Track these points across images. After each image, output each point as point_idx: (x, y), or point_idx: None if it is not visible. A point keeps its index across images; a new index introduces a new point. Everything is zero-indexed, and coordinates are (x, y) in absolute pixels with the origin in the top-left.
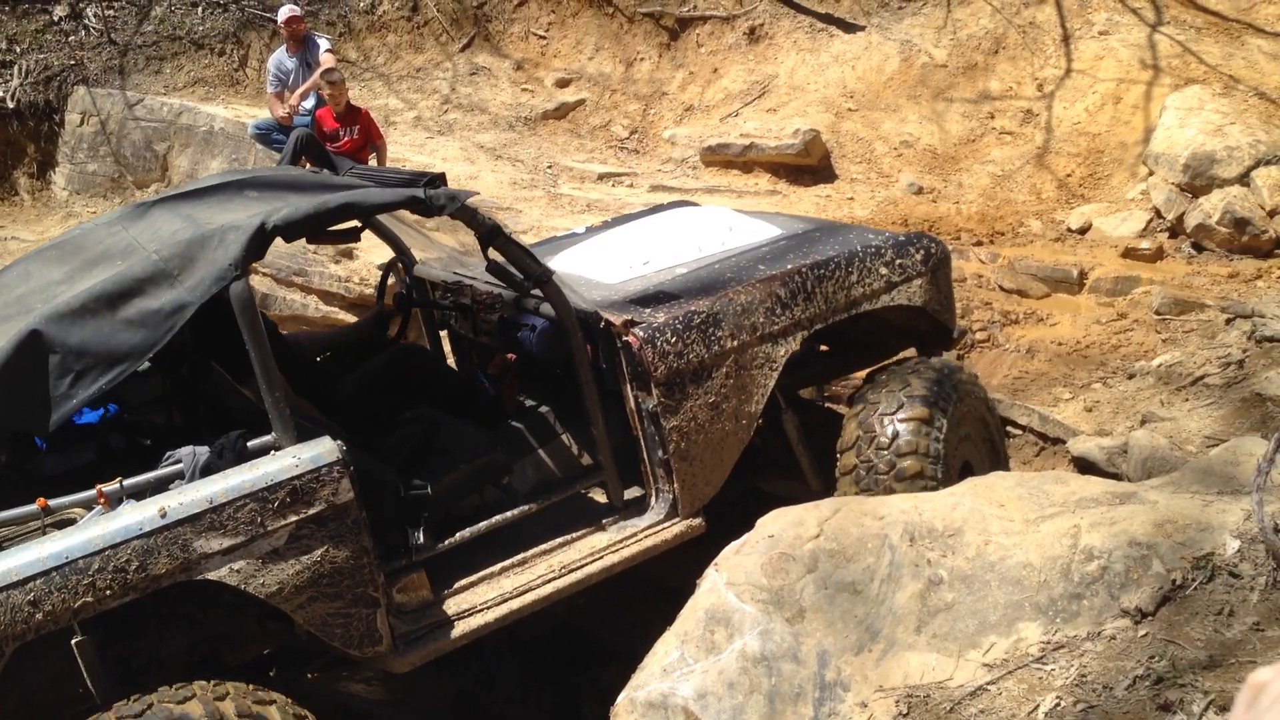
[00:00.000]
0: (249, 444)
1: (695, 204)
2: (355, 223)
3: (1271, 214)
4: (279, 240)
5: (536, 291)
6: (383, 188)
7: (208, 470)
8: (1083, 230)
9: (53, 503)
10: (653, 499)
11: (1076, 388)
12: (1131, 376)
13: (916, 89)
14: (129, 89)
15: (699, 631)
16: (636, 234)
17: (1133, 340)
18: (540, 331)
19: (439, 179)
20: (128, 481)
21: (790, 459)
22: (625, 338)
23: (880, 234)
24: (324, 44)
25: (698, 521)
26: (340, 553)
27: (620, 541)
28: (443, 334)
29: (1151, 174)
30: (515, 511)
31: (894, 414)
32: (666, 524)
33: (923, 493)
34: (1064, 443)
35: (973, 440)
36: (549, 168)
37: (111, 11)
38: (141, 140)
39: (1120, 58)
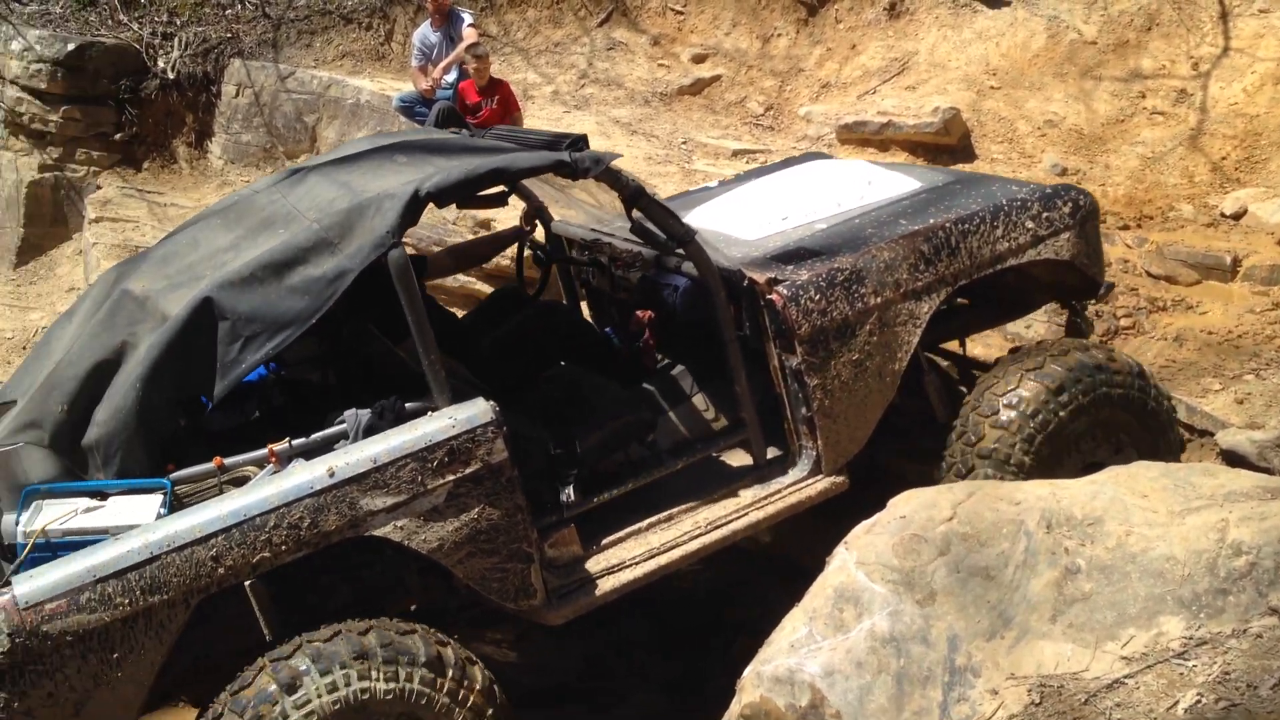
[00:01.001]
0: (407, 406)
1: (828, 155)
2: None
3: None
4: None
5: (679, 251)
6: (529, 151)
7: (370, 431)
8: (1237, 216)
9: (227, 461)
10: (796, 456)
11: (1227, 379)
12: None
13: (1063, 67)
14: (281, 62)
15: (828, 609)
16: (773, 189)
17: None
18: (682, 290)
19: (581, 140)
20: (296, 441)
21: (932, 419)
22: (769, 296)
23: (1025, 185)
24: (467, 18)
25: (841, 479)
26: (496, 510)
27: (765, 498)
28: (580, 291)
29: None
30: (662, 469)
31: (1005, 393)
32: (810, 481)
33: (1061, 479)
34: (1212, 435)
35: (1108, 443)
36: (684, 143)
37: None
38: (292, 112)
39: None
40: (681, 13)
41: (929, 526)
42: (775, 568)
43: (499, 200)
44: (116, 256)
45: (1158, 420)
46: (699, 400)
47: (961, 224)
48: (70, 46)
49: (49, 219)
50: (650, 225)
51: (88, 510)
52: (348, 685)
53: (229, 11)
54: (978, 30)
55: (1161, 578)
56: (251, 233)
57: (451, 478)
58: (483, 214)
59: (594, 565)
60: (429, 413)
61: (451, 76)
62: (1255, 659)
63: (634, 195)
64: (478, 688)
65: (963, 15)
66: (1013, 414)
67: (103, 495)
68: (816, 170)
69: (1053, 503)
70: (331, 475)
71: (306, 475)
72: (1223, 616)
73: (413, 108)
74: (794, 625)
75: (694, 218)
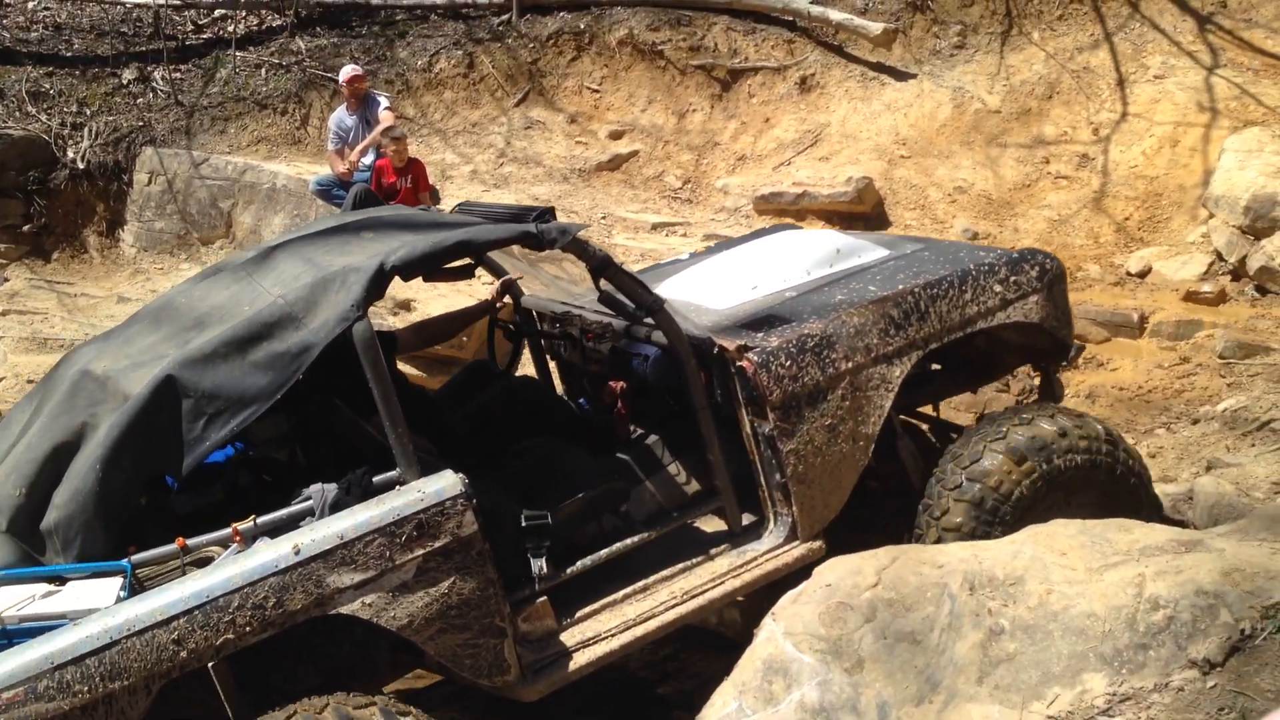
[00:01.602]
0: (374, 479)
1: (797, 225)
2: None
3: None
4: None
5: (648, 320)
6: (494, 224)
7: (336, 506)
8: (1142, 274)
9: (190, 542)
10: (771, 523)
11: (1139, 433)
12: (1196, 422)
13: (970, 135)
14: (195, 148)
15: (757, 682)
16: (742, 258)
17: (1196, 385)
18: (653, 359)
19: (549, 213)
20: (261, 519)
21: (906, 485)
22: (740, 363)
23: (992, 250)
24: (383, 101)
25: (818, 544)
26: (467, 584)
27: (741, 566)
28: (552, 363)
29: (1212, 216)
30: (636, 539)
31: (969, 465)
32: (786, 547)
33: (982, 540)
34: None
35: (1076, 505)
36: (603, 218)
37: (179, 74)
38: (207, 198)
39: (1177, 101)
40: (598, 91)
41: (854, 593)
42: (708, 640)
43: (466, 272)
44: (26, 350)
45: (1128, 482)
46: (673, 469)
47: (930, 289)
48: None
49: None
50: (618, 295)
51: (45, 595)
52: None
53: (140, 100)
54: (886, 102)
55: (1083, 635)
56: (216, 310)
57: (420, 552)
58: (403, 294)
59: (569, 638)
60: (397, 487)
61: (369, 159)
62: (1178, 713)
63: (601, 265)
64: None
65: (871, 88)
66: (976, 486)
67: (61, 580)
68: (786, 240)
69: (975, 564)
70: (297, 553)
71: (271, 554)
72: (1144, 671)
73: (330, 190)
74: (724, 700)
75: (665, 288)
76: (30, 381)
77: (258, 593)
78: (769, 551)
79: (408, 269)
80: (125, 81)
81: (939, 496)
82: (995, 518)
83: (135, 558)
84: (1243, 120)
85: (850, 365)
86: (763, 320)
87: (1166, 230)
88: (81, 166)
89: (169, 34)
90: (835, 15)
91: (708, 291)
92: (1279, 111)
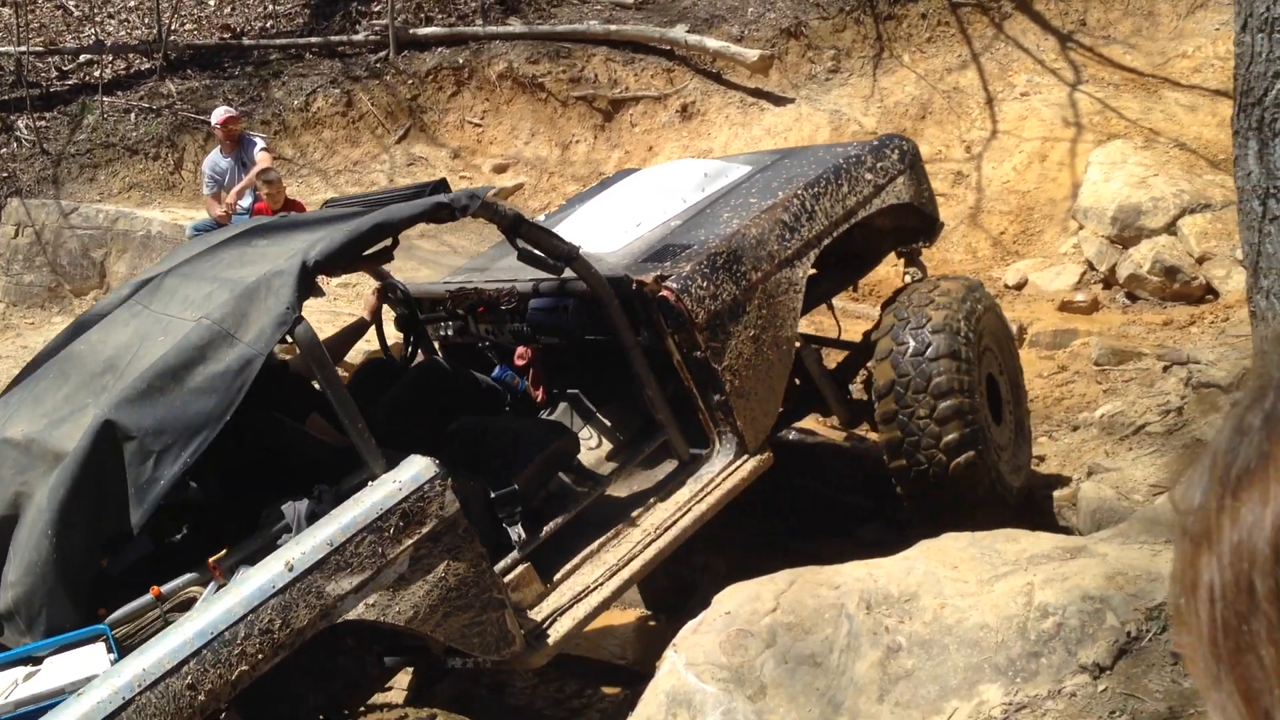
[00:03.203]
0: (341, 482)
1: (637, 169)
2: (387, 243)
3: (1200, 260)
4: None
5: (565, 270)
6: (393, 204)
7: (314, 517)
8: (1019, 286)
9: (165, 588)
10: (718, 443)
11: None
12: (1075, 428)
13: None
14: (63, 198)
15: (661, 715)
16: (613, 202)
17: (1075, 392)
18: (565, 311)
19: (443, 184)
20: (235, 548)
21: (814, 393)
22: (661, 293)
23: (849, 145)
24: (259, 143)
25: (767, 455)
26: (461, 563)
27: (701, 491)
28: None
29: (1082, 228)
30: (599, 488)
31: (924, 354)
32: (738, 463)
33: (876, 559)
34: None
35: (991, 351)
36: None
37: (43, 122)
38: (78, 248)
39: (1043, 117)
40: (479, 125)
41: (754, 619)
42: (613, 675)
43: (386, 255)
44: None
45: (1003, 320)
46: (601, 419)
47: (812, 188)
48: None
49: None
50: (535, 250)
51: (29, 678)
52: None
53: (4, 150)
54: (766, 126)
55: (977, 647)
56: (125, 349)
57: (411, 541)
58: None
59: (559, 598)
60: (368, 483)
61: (246, 201)
62: (1072, 718)
63: (514, 223)
64: None
65: (751, 113)
66: (946, 377)
67: (35, 660)
68: (648, 177)
69: (870, 583)
70: (291, 569)
71: (265, 575)
72: (1038, 679)
73: (209, 235)
74: None
75: None
76: None
77: (262, 617)
78: (723, 471)
79: (330, 262)
80: None
81: (916, 367)
82: (973, 392)
83: (110, 618)
84: (1106, 134)
85: (759, 275)
86: (663, 251)
87: (1040, 242)
88: None
89: (32, 81)
90: (712, 43)
91: (592, 238)
92: (1140, 124)
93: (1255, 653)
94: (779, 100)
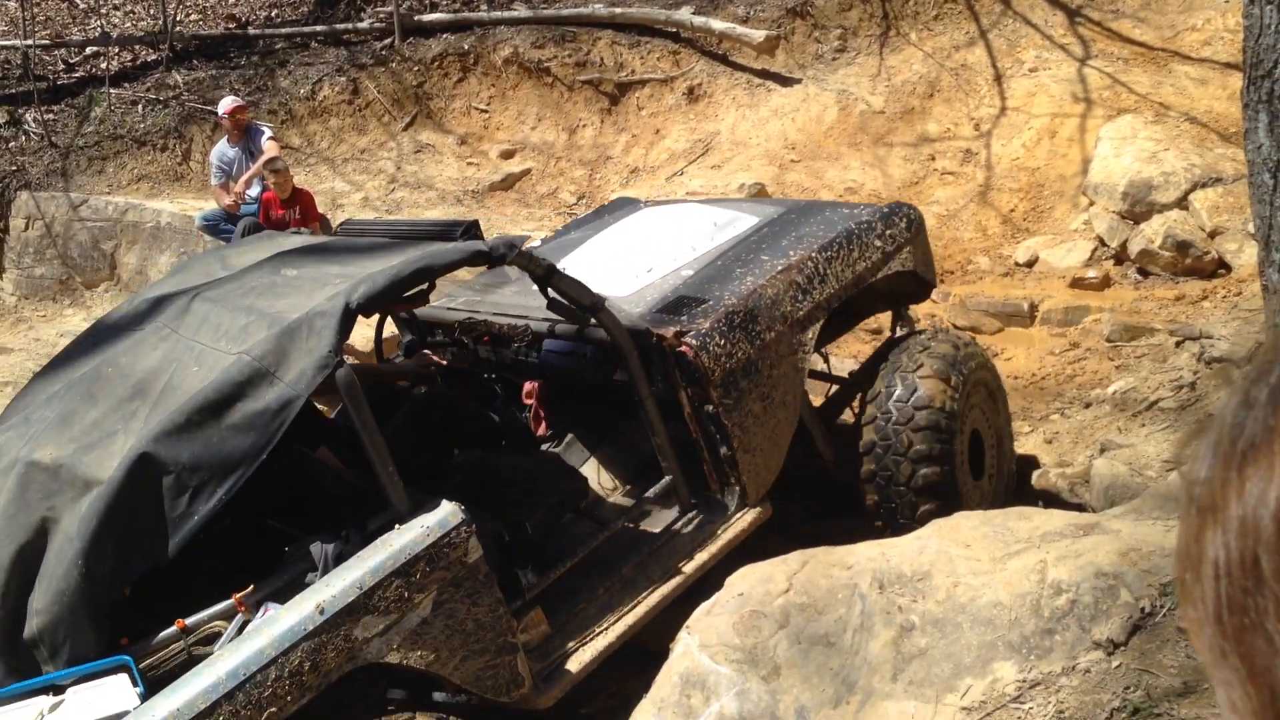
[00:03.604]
0: (368, 524)
1: (636, 200)
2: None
3: (1212, 235)
4: None
5: (593, 320)
6: (436, 244)
7: (340, 558)
8: (1030, 263)
9: (189, 621)
10: (721, 494)
11: (1035, 420)
12: (1088, 405)
13: (856, 136)
14: (73, 190)
15: (675, 697)
16: (621, 241)
17: (1087, 369)
18: (583, 357)
19: (474, 226)
20: (260, 584)
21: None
22: (680, 348)
23: (858, 208)
24: (267, 131)
25: (767, 507)
26: (479, 608)
27: (704, 539)
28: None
29: (1092, 204)
30: (606, 532)
31: (914, 372)
32: (739, 514)
33: (888, 538)
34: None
35: (979, 408)
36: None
37: (51, 115)
38: (88, 240)
39: (1052, 93)
40: (486, 111)
41: (767, 601)
42: (628, 656)
43: (421, 299)
44: None
45: (994, 373)
46: (599, 460)
47: (825, 252)
48: None
49: None
50: (563, 300)
51: (54, 709)
52: None
53: (12, 144)
54: (773, 108)
55: (991, 624)
56: (155, 375)
57: (435, 586)
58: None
59: (566, 641)
60: (396, 526)
61: (255, 190)
62: (1086, 694)
63: (547, 274)
64: None
65: (758, 95)
66: (924, 413)
67: (58, 689)
68: (655, 219)
69: (883, 562)
70: (322, 612)
71: (295, 617)
72: (1051, 656)
73: (218, 225)
74: (644, 717)
75: None
76: None
77: (292, 660)
78: (724, 520)
79: (371, 304)
80: None
81: (896, 435)
82: (948, 434)
83: (133, 648)
84: (1116, 109)
85: (773, 335)
86: (678, 303)
87: (1050, 219)
88: None
89: (39, 74)
90: (718, 25)
91: (600, 279)
92: (1150, 99)
93: (1261, 629)
94: (786, 81)
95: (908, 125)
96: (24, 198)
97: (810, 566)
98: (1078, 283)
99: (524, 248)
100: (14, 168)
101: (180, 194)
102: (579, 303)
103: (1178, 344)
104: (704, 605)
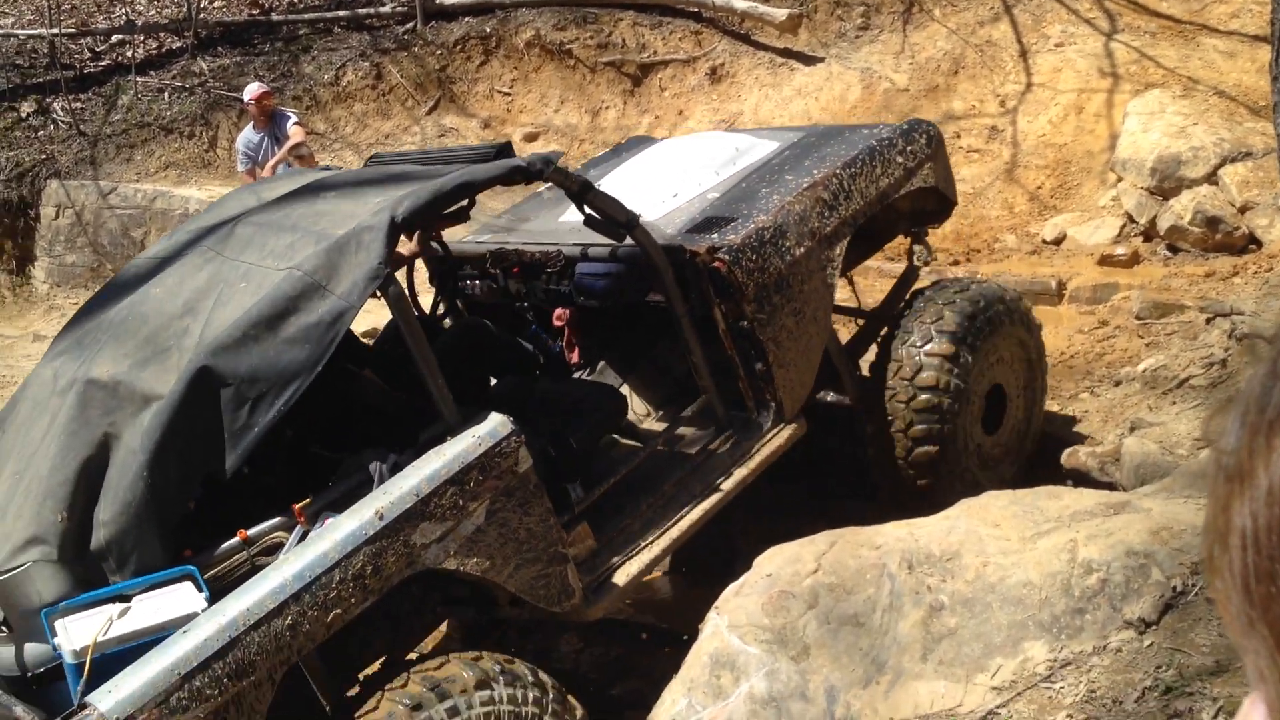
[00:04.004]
0: (420, 436)
1: (651, 137)
2: (464, 202)
3: (1242, 210)
4: None
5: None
6: (460, 165)
7: (396, 469)
8: (1058, 241)
9: (251, 532)
10: (756, 411)
11: (1064, 399)
12: (1118, 383)
13: (880, 114)
14: (102, 179)
15: (705, 677)
16: (643, 171)
17: (1116, 347)
18: (617, 277)
19: (507, 147)
20: (317, 496)
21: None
22: (713, 264)
23: (877, 127)
24: (292, 117)
25: (801, 424)
26: (531, 518)
27: (742, 455)
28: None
29: (1120, 180)
30: (646, 450)
31: (921, 347)
32: (775, 430)
33: (916, 519)
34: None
35: (1006, 362)
36: None
37: (79, 104)
38: (118, 228)
39: (1079, 68)
40: (509, 94)
41: (795, 581)
42: (658, 639)
43: (462, 216)
44: None
45: (1028, 323)
46: (636, 380)
47: (849, 168)
48: None
49: None
50: (600, 216)
51: (121, 615)
52: None
53: (41, 133)
54: (796, 87)
55: (1021, 604)
56: (204, 294)
57: (488, 495)
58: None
59: (612, 555)
60: (447, 438)
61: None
62: (1117, 674)
63: (583, 189)
64: (528, 681)
65: (781, 74)
66: (933, 371)
67: (125, 598)
68: (676, 148)
69: (911, 543)
70: (381, 518)
71: (356, 523)
72: (1082, 635)
73: None
74: (673, 698)
75: (572, 213)
76: None
77: (354, 563)
78: (761, 437)
79: (416, 218)
80: (24, 115)
81: (900, 380)
82: (958, 396)
83: (197, 558)
84: (1143, 83)
85: (802, 250)
86: (708, 222)
87: (1078, 196)
88: None
89: (66, 63)
90: (739, 4)
91: (629, 205)
92: (1178, 73)
93: None
94: (809, 60)
95: (932, 103)
96: (54, 186)
97: (838, 547)
98: (1106, 260)
99: (559, 164)
100: (43, 156)
101: (208, 180)
102: (615, 218)
103: (1208, 321)
104: (732, 586)
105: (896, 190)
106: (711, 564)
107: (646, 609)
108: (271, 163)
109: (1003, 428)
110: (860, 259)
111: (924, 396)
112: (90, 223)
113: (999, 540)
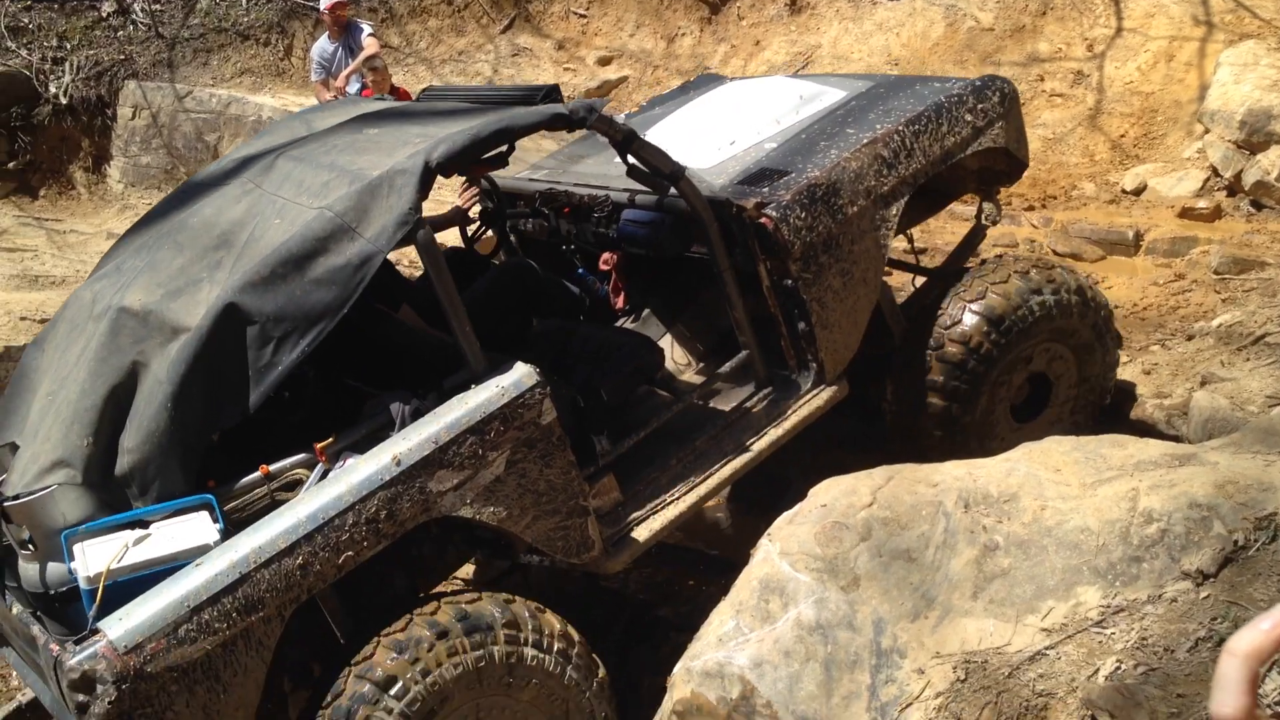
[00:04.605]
0: (444, 383)
1: (721, 75)
2: (503, 148)
3: None
4: None
5: (671, 189)
6: (508, 108)
7: (417, 414)
8: (1138, 191)
9: (273, 467)
10: (797, 371)
11: (1134, 350)
12: (1190, 338)
13: (963, 54)
14: (178, 81)
15: (754, 601)
16: (703, 114)
17: (1191, 301)
18: (661, 226)
19: (555, 91)
20: (340, 436)
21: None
22: (759, 220)
23: (949, 81)
24: (366, 29)
25: (843, 385)
26: (551, 470)
27: (778, 415)
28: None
29: (1207, 132)
30: (680, 404)
31: (970, 302)
32: (814, 392)
33: (977, 459)
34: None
35: (1054, 352)
36: None
37: (158, 6)
38: (192, 131)
39: (1172, 15)
40: (585, 16)
41: (850, 513)
42: (704, 563)
43: (501, 161)
44: (16, 287)
45: (1097, 317)
46: (680, 330)
47: (912, 125)
48: None
49: None
50: (644, 167)
51: (138, 542)
52: (439, 666)
53: (120, 34)
54: (878, 21)
55: (1077, 549)
56: (239, 227)
57: (508, 445)
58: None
59: (636, 508)
60: (471, 386)
61: (354, 87)
62: (1171, 623)
63: (627, 139)
64: (555, 632)
65: (863, 8)
66: (955, 349)
67: (143, 524)
68: (740, 92)
69: (969, 482)
70: (398, 464)
71: (373, 467)
72: (1138, 583)
73: None
74: (721, 619)
75: None
76: (23, 319)
77: (369, 507)
78: (800, 397)
79: (451, 163)
80: (104, 14)
81: (935, 336)
82: (971, 376)
83: (218, 489)
84: (1238, 33)
85: (855, 210)
86: (760, 175)
87: (1162, 146)
88: (64, 102)
89: None
90: None
91: (683, 150)
92: (1274, 24)
93: None
94: None
95: (1017, 44)
96: (131, 87)
97: (895, 482)
98: (1187, 213)
99: (604, 112)
100: (122, 57)
101: (281, 89)
102: (659, 170)
103: None
104: (786, 514)
105: (962, 150)
106: (761, 495)
107: (695, 535)
108: (345, 73)
109: (1037, 422)
110: (922, 217)
111: (953, 349)
112: (165, 125)
113: (1059, 485)
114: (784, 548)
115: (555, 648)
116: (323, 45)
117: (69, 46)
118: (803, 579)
